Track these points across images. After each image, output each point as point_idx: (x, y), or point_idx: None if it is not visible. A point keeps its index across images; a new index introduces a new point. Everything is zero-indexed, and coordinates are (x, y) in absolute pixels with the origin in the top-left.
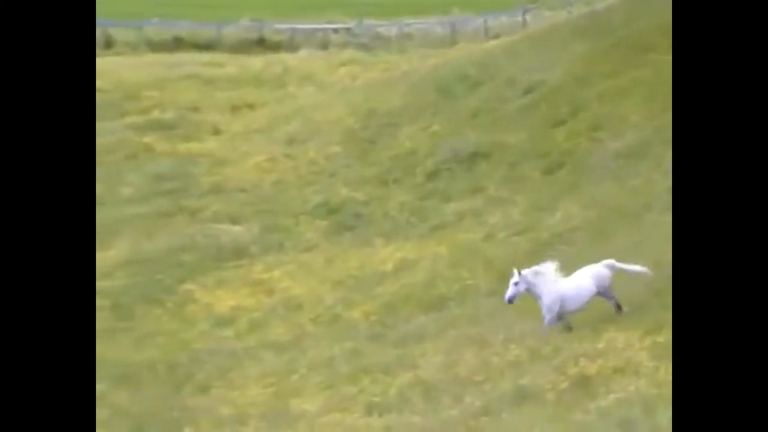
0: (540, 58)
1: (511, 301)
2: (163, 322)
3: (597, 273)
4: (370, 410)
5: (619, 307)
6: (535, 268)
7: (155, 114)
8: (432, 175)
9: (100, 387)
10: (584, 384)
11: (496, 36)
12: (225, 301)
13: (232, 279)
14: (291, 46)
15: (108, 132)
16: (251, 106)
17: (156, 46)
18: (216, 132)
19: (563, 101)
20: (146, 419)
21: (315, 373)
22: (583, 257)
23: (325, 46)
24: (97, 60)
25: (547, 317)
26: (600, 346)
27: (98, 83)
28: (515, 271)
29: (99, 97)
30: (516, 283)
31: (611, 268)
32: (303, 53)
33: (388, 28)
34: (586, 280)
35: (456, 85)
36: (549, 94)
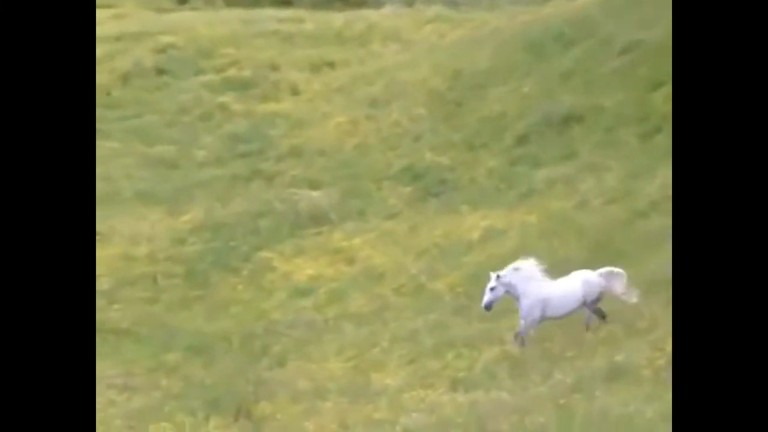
0: (640, 15)
1: (488, 307)
2: (239, 291)
3: (587, 280)
4: (454, 386)
5: (603, 316)
6: (514, 264)
7: (231, 72)
8: (522, 140)
9: (173, 357)
10: None
11: None
12: (303, 270)
13: (310, 247)
14: (374, 2)
15: (182, 91)
16: (332, 65)
17: (232, 1)
18: (295, 92)
19: (664, 62)
20: (221, 392)
21: (397, 347)
22: None
23: (410, 2)
24: (171, 15)
25: (523, 322)
26: None
27: (172, 39)
28: (492, 275)
29: (173, 54)
30: (492, 288)
31: (608, 277)
32: (387, 10)
33: None
34: (574, 285)
35: (549, 44)
36: (648, 54)
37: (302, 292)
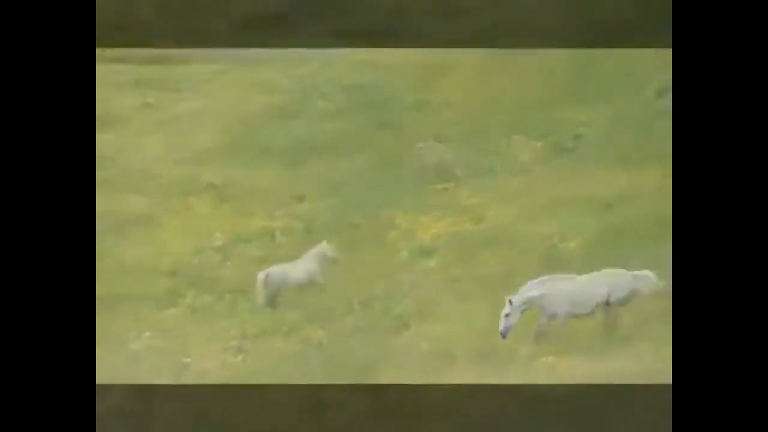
0: None
1: (504, 335)
2: (360, 249)
3: (616, 280)
4: (587, 352)
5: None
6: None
7: (357, 19)
8: (663, 92)
9: (291, 318)
10: None
11: None
12: (428, 228)
13: (436, 204)
14: None
15: (303, 38)
16: (465, 12)
17: None
18: (422, 40)
19: None
20: (340, 354)
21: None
22: None
23: None
24: None
25: (543, 320)
26: None
27: None
28: (507, 301)
29: (295, 0)
30: (507, 315)
31: (639, 280)
32: None
33: None
34: (600, 283)
35: None
36: None
37: (427, 251)
